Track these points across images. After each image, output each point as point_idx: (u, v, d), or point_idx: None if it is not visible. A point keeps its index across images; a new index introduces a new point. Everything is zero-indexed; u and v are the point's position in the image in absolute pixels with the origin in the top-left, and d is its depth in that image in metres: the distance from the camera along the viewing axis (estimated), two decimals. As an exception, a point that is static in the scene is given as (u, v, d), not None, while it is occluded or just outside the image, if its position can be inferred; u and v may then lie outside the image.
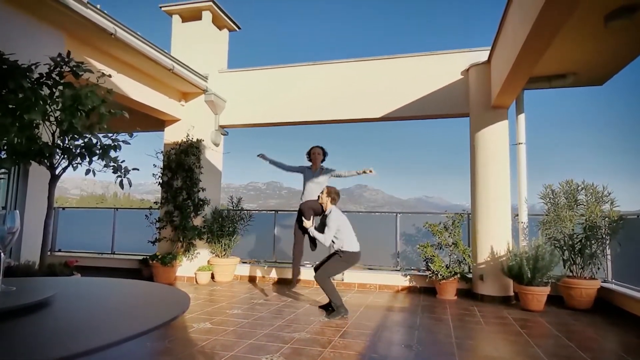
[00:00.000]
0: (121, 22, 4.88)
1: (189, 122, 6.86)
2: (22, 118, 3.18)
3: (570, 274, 5.08)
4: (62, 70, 3.57)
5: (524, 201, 5.51)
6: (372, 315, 4.50)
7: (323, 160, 5.20)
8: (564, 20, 3.25)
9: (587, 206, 5.02)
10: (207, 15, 7.14)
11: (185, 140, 6.69)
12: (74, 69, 3.56)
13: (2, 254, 1.45)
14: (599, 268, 4.99)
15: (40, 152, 3.39)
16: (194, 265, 6.58)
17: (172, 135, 6.95)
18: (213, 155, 7.16)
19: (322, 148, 5.18)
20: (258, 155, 5.35)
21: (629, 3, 3.56)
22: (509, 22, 4.46)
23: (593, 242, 4.91)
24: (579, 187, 5.16)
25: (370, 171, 5.05)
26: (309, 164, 5.22)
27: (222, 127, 7.24)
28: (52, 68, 3.53)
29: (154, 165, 6.64)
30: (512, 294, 5.38)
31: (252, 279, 6.80)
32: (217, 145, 7.22)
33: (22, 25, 4.12)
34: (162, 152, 6.80)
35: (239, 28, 7.88)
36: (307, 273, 6.03)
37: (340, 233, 4.52)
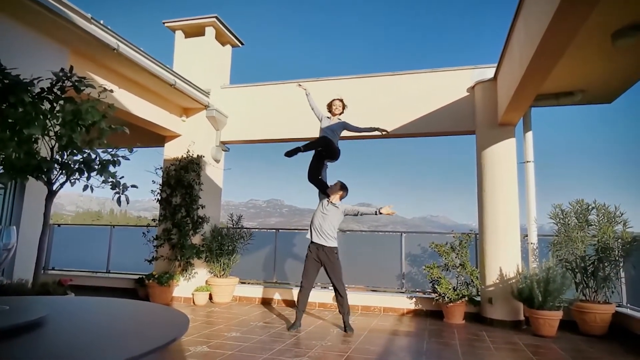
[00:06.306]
0: (124, 38, 4.86)
1: (190, 137, 6.77)
2: (22, 132, 3.08)
3: (583, 298, 4.91)
4: (64, 85, 3.50)
5: (534, 221, 5.38)
6: (377, 340, 4.32)
7: (342, 113, 5.20)
8: (571, 39, 3.20)
9: (599, 227, 4.89)
10: (210, 32, 7.14)
11: (185, 156, 6.58)
12: (76, 84, 3.48)
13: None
14: (613, 292, 4.82)
15: (39, 167, 3.27)
16: (192, 286, 6.38)
17: (172, 151, 6.85)
18: (213, 171, 7.05)
19: (342, 100, 5.19)
20: (299, 85, 5.34)
21: (636, 22, 3.52)
22: (515, 39, 4.42)
23: (606, 264, 4.76)
24: (590, 207, 5.04)
25: (385, 131, 5.24)
26: (328, 114, 5.21)
27: (223, 143, 7.15)
28: (54, 83, 3.45)
29: (153, 182, 6.52)
30: (522, 318, 5.19)
31: (251, 300, 6.59)
32: (217, 161, 7.12)
33: (26, 40, 4.08)
34: (161, 168, 6.69)
35: (242, 44, 7.88)
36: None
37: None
